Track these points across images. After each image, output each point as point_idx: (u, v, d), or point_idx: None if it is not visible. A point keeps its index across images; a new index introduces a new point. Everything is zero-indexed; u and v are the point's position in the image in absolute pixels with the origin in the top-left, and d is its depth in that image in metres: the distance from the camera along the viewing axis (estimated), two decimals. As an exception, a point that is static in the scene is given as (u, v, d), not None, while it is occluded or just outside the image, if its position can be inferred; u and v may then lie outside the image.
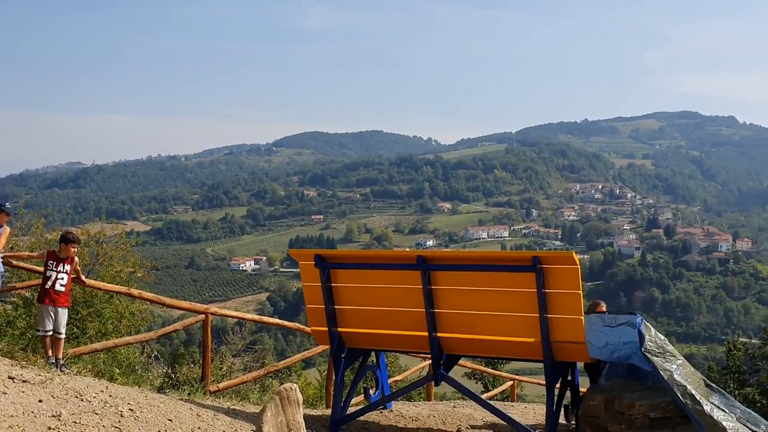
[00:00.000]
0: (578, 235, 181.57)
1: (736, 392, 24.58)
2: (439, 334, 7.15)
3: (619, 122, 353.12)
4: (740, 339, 26.89)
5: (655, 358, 7.00)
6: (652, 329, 7.43)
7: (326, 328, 7.59)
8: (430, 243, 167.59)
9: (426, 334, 7.16)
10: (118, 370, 8.21)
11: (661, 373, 6.90)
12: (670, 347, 7.39)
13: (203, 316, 8.60)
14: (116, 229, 15.71)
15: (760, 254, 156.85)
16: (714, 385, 7.68)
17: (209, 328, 8.60)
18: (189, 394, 7.85)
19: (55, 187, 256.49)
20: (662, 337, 7.33)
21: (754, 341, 34.30)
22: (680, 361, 7.19)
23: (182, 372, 8.86)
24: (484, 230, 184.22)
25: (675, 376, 6.92)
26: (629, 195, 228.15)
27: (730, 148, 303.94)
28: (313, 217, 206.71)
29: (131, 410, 5.63)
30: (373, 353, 8.23)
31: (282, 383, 11.45)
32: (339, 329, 7.57)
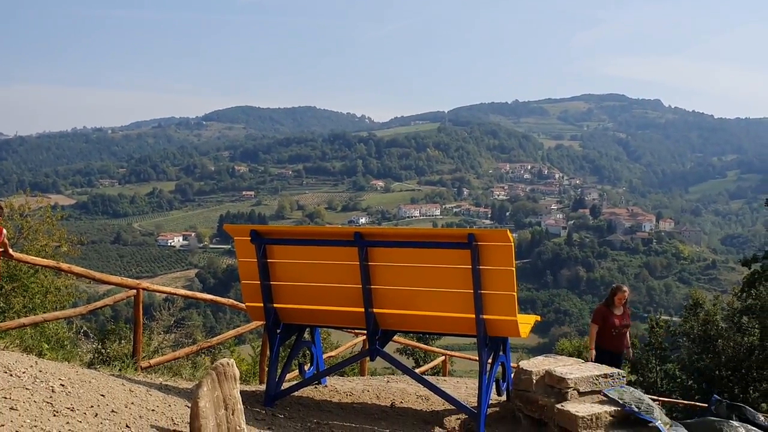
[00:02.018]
0: (507, 214, 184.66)
1: (658, 368, 25.49)
2: (375, 310, 7.20)
3: (548, 104, 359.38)
4: (662, 317, 27.84)
5: None
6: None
7: (261, 304, 7.55)
8: (362, 220, 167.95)
9: (362, 309, 7.20)
10: (46, 346, 8.02)
11: None
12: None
13: (134, 291, 8.45)
14: (41, 202, 15.29)
15: (681, 235, 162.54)
16: None
17: (141, 304, 8.46)
18: (120, 369, 7.72)
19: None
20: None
21: (675, 319, 35.47)
22: None
23: (112, 348, 8.70)
24: (416, 208, 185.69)
25: None
26: (557, 175, 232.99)
27: (655, 131, 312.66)
28: (243, 193, 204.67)
29: (62, 386, 5.52)
30: (307, 329, 8.24)
31: (214, 360, 11.38)
32: (275, 305, 7.54)
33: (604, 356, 9.38)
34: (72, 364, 7.03)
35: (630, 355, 10.27)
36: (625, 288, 9.93)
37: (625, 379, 7.54)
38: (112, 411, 5.34)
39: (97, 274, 8.47)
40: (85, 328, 10.49)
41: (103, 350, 8.61)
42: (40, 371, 5.77)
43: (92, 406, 5.29)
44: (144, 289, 8.60)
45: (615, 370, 7.52)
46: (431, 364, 16.92)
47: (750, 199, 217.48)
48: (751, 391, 22.62)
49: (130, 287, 8.47)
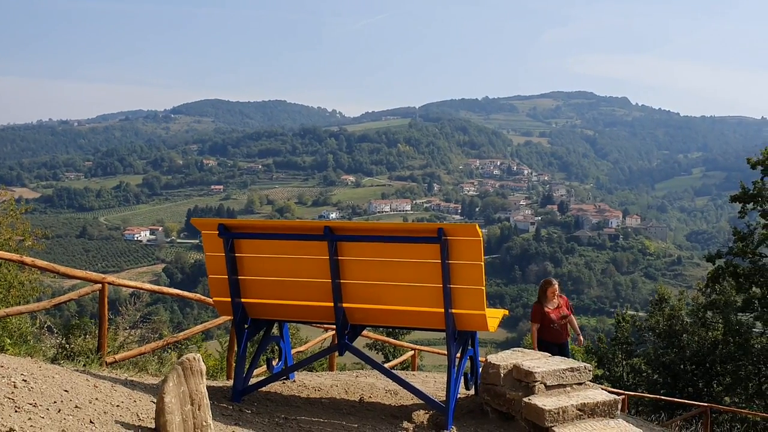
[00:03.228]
0: (477, 209, 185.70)
1: (624, 362, 25.81)
2: (344, 305, 7.16)
3: (518, 100, 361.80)
4: (628, 312, 28.16)
5: None
6: None
7: (229, 299, 7.48)
8: (333, 215, 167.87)
9: (331, 304, 7.16)
10: (9, 341, 7.87)
11: None
12: None
13: (99, 285, 8.32)
14: (5, 196, 15.07)
15: (648, 231, 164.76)
16: None
17: (105, 299, 8.34)
18: (85, 365, 7.60)
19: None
20: None
21: (641, 314, 35.94)
22: None
23: (77, 343, 8.56)
24: (386, 204, 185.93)
25: None
26: (526, 172, 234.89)
27: (622, 128, 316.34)
28: (212, 187, 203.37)
29: (25, 381, 5.41)
30: (276, 324, 8.18)
31: (180, 355, 11.27)
32: (242, 300, 7.47)
33: (551, 349, 9.56)
34: (35, 360, 6.91)
35: (580, 342, 10.50)
36: (554, 281, 10.12)
37: (591, 373, 7.60)
38: (76, 407, 5.26)
39: (62, 268, 8.32)
40: (49, 323, 10.32)
41: (67, 345, 8.48)
42: (2, 366, 5.66)
43: (55, 402, 5.20)
44: (109, 283, 8.47)
45: (582, 364, 7.58)
46: (400, 359, 16.93)
47: (715, 196, 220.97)
48: (714, 385, 23.00)
49: (95, 281, 8.34)
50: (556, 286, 10.10)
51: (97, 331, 8.54)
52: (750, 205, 23.20)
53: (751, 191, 23.00)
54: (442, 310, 6.86)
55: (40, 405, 5.02)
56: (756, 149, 26.34)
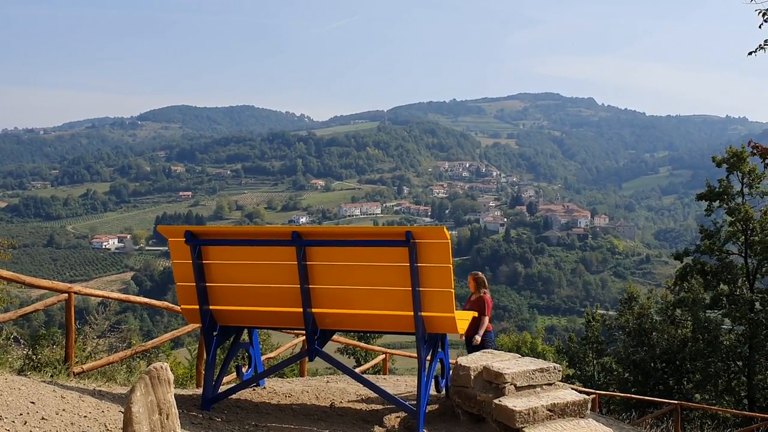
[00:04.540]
0: (447, 211, 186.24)
1: (595, 361, 26.03)
2: (313, 310, 7.15)
3: (485, 103, 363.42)
4: (598, 311, 28.44)
5: None
6: None
7: (197, 306, 7.43)
8: (303, 220, 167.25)
9: (300, 310, 7.14)
10: (-27, 354, 7.73)
11: None
12: None
13: (66, 295, 8.21)
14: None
15: (616, 230, 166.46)
16: None
17: (72, 308, 8.23)
18: (52, 376, 7.50)
19: None
20: None
21: (611, 313, 36.31)
22: None
23: (44, 353, 8.43)
24: (356, 207, 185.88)
25: None
26: (495, 173, 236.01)
27: (588, 129, 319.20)
28: (180, 193, 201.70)
29: (-11, 394, 5.34)
30: (245, 331, 8.13)
31: (150, 364, 11.13)
32: (211, 307, 7.43)
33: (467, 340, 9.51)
34: (1, 371, 6.81)
35: (476, 341, 10.03)
36: (473, 273, 9.96)
37: (561, 373, 7.65)
38: (42, 418, 5.19)
39: (27, 278, 8.19)
40: (16, 334, 10.15)
41: (33, 356, 8.34)
42: (-34, 380, 5.57)
43: (21, 414, 5.12)
44: (75, 293, 8.36)
45: (551, 364, 7.62)
46: (371, 363, 16.91)
47: (681, 194, 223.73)
48: (685, 383, 23.26)
49: (62, 291, 8.23)
50: (471, 278, 9.89)
51: (64, 342, 8.42)
52: (716, 203, 23.54)
53: (717, 189, 23.36)
54: (412, 313, 6.87)
55: (6, 417, 4.94)
56: (721, 147, 26.77)
